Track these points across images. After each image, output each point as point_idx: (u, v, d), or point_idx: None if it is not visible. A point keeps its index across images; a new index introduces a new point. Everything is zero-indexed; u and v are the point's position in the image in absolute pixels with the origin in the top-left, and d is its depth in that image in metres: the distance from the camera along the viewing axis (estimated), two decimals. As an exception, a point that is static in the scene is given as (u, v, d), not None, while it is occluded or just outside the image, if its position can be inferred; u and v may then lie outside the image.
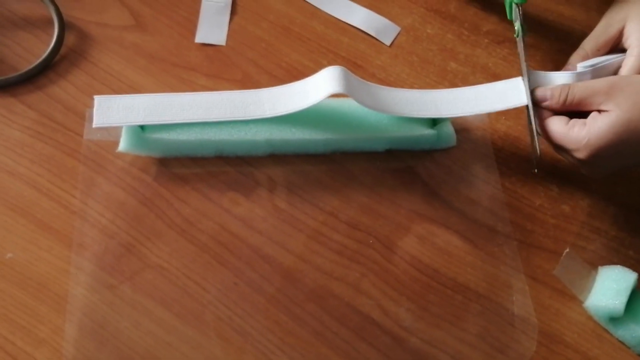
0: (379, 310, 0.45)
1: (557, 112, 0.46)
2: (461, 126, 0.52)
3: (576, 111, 0.45)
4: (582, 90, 0.44)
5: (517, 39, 0.48)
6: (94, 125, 0.45)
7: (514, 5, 0.49)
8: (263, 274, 0.45)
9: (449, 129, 0.50)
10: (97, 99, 0.46)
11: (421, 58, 0.56)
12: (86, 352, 0.42)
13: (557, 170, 0.51)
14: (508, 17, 0.51)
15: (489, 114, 0.53)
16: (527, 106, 0.47)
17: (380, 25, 0.57)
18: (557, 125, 0.45)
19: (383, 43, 0.56)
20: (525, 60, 0.47)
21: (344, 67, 0.46)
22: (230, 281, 0.45)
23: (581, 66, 0.47)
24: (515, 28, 0.49)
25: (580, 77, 0.46)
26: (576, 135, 0.43)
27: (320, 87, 0.46)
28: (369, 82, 0.48)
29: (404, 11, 0.58)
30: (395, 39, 0.57)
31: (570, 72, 0.47)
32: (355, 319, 0.44)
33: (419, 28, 0.57)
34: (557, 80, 0.47)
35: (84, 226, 0.45)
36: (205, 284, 0.44)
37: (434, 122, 0.50)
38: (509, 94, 0.48)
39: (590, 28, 0.49)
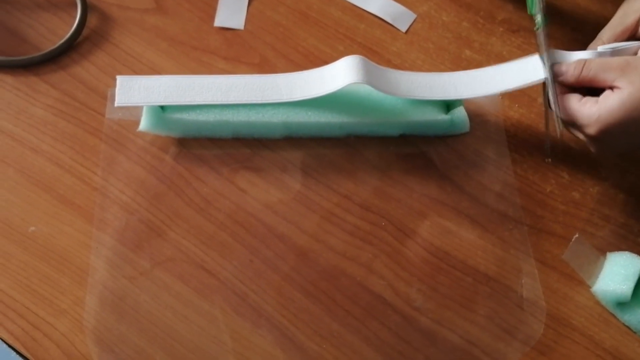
0: (390, 290, 0.46)
1: (572, 90, 0.46)
2: (474, 112, 0.52)
3: (590, 88, 0.45)
4: (597, 65, 0.44)
5: (538, 31, 0.49)
6: (115, 104, 0.46)
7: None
8: (278, 253, 0.46)
9: (462, 115, 0.51)
10: (120, 79, 0.47)
11: (436, 45, 0.56)
12: (106, 324, 0.43)
13: (568, 157, 0.51)
14: (529, 12, 0.51)
15: (503, 101, 0.53)
16: (544, 85, 0.47)
17: (396, 11, 0.58)
18: (571, 102, 0.45)
19: (399, 30, 0.57)
20: (547, 45, 0.47)
21: (361, 55, 0.47)
22: (246, 258, 0.46)
23: (602, 48, 0.47)
24: (537, 20, 0.49)
25: (600, 57, 0.46)
26: (588, 110, 0.43)
27: (338, 75, 0.47)
28: (386, 68, 0.49)
29: (420, -2, 0.59)
30: (411, 25, 0.57)
31: (590, 50, 0.47)
32: (367, 298, 0.45)
33: (434, 15, 0.58)
34: (577, 57, 0.47)
35: (105, 202, 0.47)
36: (221, 260, 0.46)
37: (447, 108, 0.51)
38: (526, 71, 0.48)
39: (605, 19, 0.50)
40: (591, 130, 0.44)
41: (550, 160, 0.49)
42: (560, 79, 0.46)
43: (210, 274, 0.45)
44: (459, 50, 0.56)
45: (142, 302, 0.44)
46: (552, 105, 0.46)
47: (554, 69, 0.47)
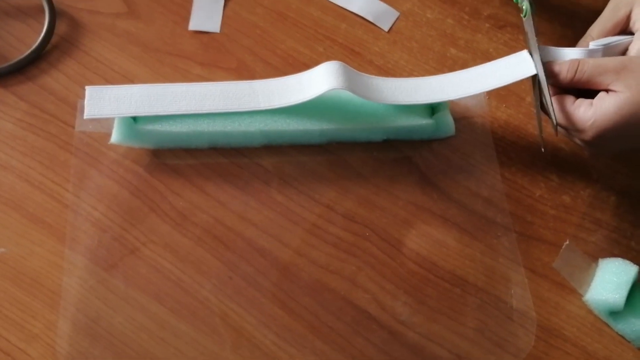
0: (376, 304, 0.44)
1: (562, 90, 0.44)
2: (460, 115, 0.50)
3: (583, 89, 0.43)
4: (592, 67, 0.42)
5: (525, 19, 0.47)
6: (85, 117, 0.44)
7: None
8: (258, 268, 0.45)
9: (447, 118, 0.49)
10: (89, 90, 0.45)
11: (420, 44, 0.54)
12: (80, 348, 0.41)
13: (558, 159, 0.50)
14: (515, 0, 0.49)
15: (489, 102, 0.51)
16: (534, 81, 0.45)
17: (378, 10, 0.55)
18: (564, 104, 0.43)
19: (381, 29, 0.55)
20: (536, 36, 0.45)
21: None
22: (225, 275, 0.44)
23: (593, 44, 0.45)
24: (523, 7, 0.47)
25: (591, 54, 0.45)
26: (582, 115, 0.42)
27: (317, 82, 0.45)
28: (369, 75, 0.47)
29: (403, -5, 0.56)
30: (393, 24, 0.55)
31: (581, 48, 0.45)
32: (352, 313, 0.44)
33: (418, 13, 0.56)
34: (568, 55, 0.45)
35: (77, 220, 0.45)
36: (199, 278, 0.44)
37: (432, 111, 0.49)
38: (515, 67, 0.46)
39: (595, 13, 0.48)
40: (586, 135, 0.42)
41: (543, 150, 0.47)
42: (553, 80, 0.44)
43: (188, 293, 0.43)
44: (443, 49, 0.54)
45: (117, 324, 0.42)
46: (547, 103, 0.44)
47: (545, 67, 0.45)
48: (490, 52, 0.54)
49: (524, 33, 0.46)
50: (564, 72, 0.43)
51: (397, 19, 0.55)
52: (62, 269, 0.43)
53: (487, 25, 0.56)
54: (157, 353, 0.42)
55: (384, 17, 0.55)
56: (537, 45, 0.45)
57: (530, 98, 0.52)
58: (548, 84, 0.44)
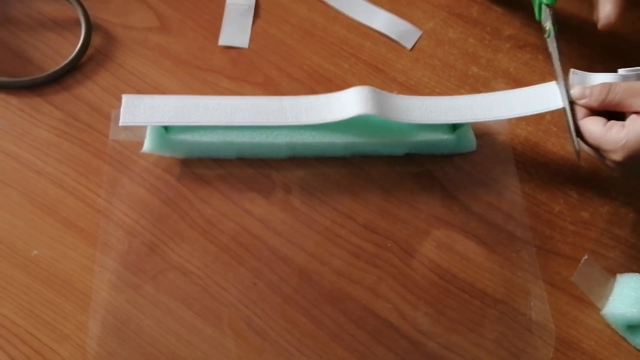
0: (397, 314, 0.45)
1: (595, 113, 0.45)
2: (481, 131, 0.52)
3: (613, 112, 0.44)
4: (624, 90, 0.43)
5: (548, 39, 0.48)
6: (120, 124, 0.46)
7: (543, 7, 0.49)
8: (281, 275, 0.46)
9: (469, 134, 0.50)
10: (125, 98, 0.47)
11: (442, 62, 0.56)
12: (109, 349, 0.43)
13: (577, 176, 0.51)
14: (537, 18, 0.50)
15: (510, 119, 0.53)
16: (564, 108, 0.46)
17: (401, 29, 0.57)
18: (595, 126, 0.44)
19: (404, 47, 0.56)
20: (560, 60, 0.47)
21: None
22: (250, 281, 0.45)
23: (624, 70, 0.46)
24: (546, 28, 0.48)
25: (622, 79, 0.46)
26: (614, 136, 0.42)
27: (347, 105, 0.46)
28: (398, 95, 0.48)
29: (426, 15, 0.58)
30: (416, 42, 0.57)
31: (613, 74, 0.46)
32: (373, 322, 0.45)
33: (440, 32, 0.57)
34: (599, 80, 0.46)
35: (108, 225, 0.46)
36: (225, 283, 0.45)
37: (454, 127, 0.51)
38: (543, 97, 0.47)
39: (613, 34, 0.49)
40: (617, 156, 0.43)
41: (578, 159, 0.48)
42: (583, 102, 0.45)
43: (214, 298, 0.45)
44: (465, 67, 0.56)
45: (145, 327, 0.43)
46: (570, 129, 0.45)
47: (575, 90, 0.45)
48: (511, 71, 0.55)
49: (549, 53, 0.48)
50: (596, 94, 0.44)
51: (420, 37, 0.57)
52: (93, 272, 0.45)
53: (508, 45, 0.57)
54: (184, 356, 0.43)
55: (407, 35, 0.57)
56: (560, 66, 0.46)
57: (549, 116, 0.53)
58: (575, 109, 0.45)
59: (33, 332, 0.43)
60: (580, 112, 0.45)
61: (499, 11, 0.59)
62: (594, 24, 0.51)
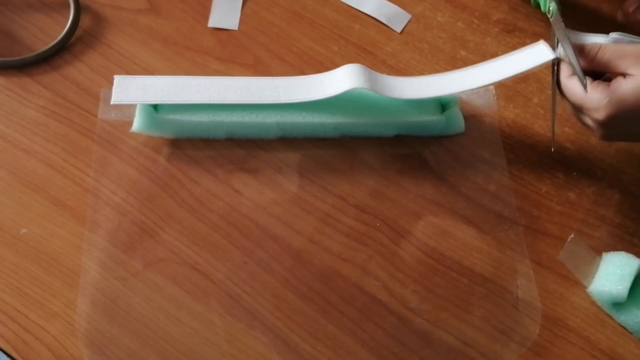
0: (386, 292, 0.45)
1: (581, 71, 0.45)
2: (469, 113, 0.52)
3: (601, 74, 0.44)
4: (613, 50, 0.43)
5: (552, 19, 0.48)
6: (112, 102, 0.46)
7: None
8: (272, 254, 0.46)
9: (457, 115, 0.51)
10: (117, 78, 0.47)
11: (431, 45, 0.56)
12: (98, 326, 0.43)
13: (564, 157, 0.51)
14: (543, 9, 0.50)
15: (498, 101, 0.53)
16: (553, 71, 0.46)
17: (391, 12, 0.57)
18: (579, 85, 0.44)
19: (394, 30, 0.57)
20: (564, 27, 0.46)
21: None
22: (240, 260, 0.46)
23: (616, 34, 0.46)
24: (550, 8, 0.48)
25: (615, 42, 0.45)
26: (598, 95, 0.42)
27: (339, 81, 0.47)
28: (389, 76, 0.48)
29: (415, -1, 0.59)
30: (405, 26, 0.57)
31: (606, 35, 0.46)
32: (362, 300, 0.45)
33: (429, 16, 0.58)
34: (591, 40, 0.46)
35: (97, 204, 0.46)
36: (215, 262, 0.45)
37: (442, 108, 0.51)
38: (534, 54, 0.47)
39: (602, 17, 0.49)
40: (599, 114, 0.43)
41: (553, 150, 0.49)
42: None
43: (204, 276, 0.45)
44: (454, 51, 0.56)
45: (134, 304, 0.43)
46: (578, 73, 0.44)
47: (569, 39, 0.45)
48: (499, 55, 0.56)
49: (539, 37, 0.47)
50: (585, 52, 0.44)
51: (409, 21, 0.57)
52: (81, 250, 0.45)
53: (496, 29, 0.57)
54: (173, 333, 0.43)
55: (396, 19, 0.57)
56: (565, 33, 0.45)
57: (537, 99, 0.54)
58: (562, 68, 0.45)
59: (22, 309, 0.43)
60: (566, 70, 0.45)
61: (487, -4, 0.59)
62: (597, 10, 0.52)
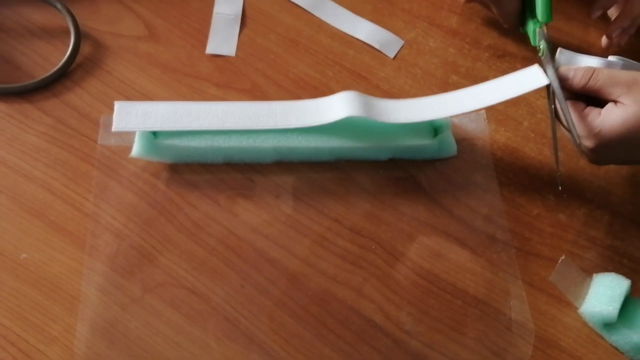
0: (381, 314, 0.46)
1: (574, 96, 0.46)
2: (461, 136, 0.53)
3: (593, 98, 0.45)
4: (606, 77, 0.44)
5: (542, 58, 0.49)
6: (113, 129, 0.47)
7: (537, 30, 0.51)
8: (269, 277, 0.47)
9: (449, 139, 0.52)
10: (118, 104, 0.48)
11: (424, 70, 0.57)
12: (97, 350, 0.43)
13: (554, 180, 0.52)
14: (532, 44, 0.52)
15: (489, 125, 0.54)
16: (549, 95, 0.47)
17: (384, 38, 0.59)
18: (572, 110, 0.45)
19: (387, 56, 0.58)
20: (554, 60, 0.47)
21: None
22: (237, 283, 0.46)
23: (613, 57, 0.47)
24: (541, 47, 0.50)
25: (609, 65, 0.47)
26: (590, 123, 0.43)
27: (335, 108, 0.48)
28: (383, 99, 0.50)
29: (407, 25, 0.60)
30: (398, 52, 0.58)
31: (600, 58, 0.47)
32: (358, 322, 0.46)
33: (421, 42, 0.59)
34: (586, 62, 0.47)
35: (96, 229, 0.47)
36: (212, 286, 0.46)
37: (435, 132, 0.52)
38: (527, 79, 0.48)
39: (589, 43, 0.51)
40: (590, 142, 0.44)
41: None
42: (566, 83, 0.46)
43: (202, 300, 0.45)
44: (445, 75, 0.57)
45: (133, 329, 0.44)
46: (563, 115, 0.45)
47: (560, 70, 0.46)
48: (490, 79, 0.57)
49: (528, 63, 0.49)
50: (579, 77, 0.45)
51: (402, 46, 0.59)
52: (81, 274, 0.45)
53: (487, 54, 0.59)
54: (172, 357, 0.43)
55: (390, 45, 0.59)
56: (555, 74, 0.46)
57: (527, 123, 0.55)
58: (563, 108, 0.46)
59: (21, 334, 0.43)
60: (561, 94, 0.45)
61: (478, 22, 0.61)
62: (569, 35, 0.53)
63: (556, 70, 0.47)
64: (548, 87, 0.47)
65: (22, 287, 0.45)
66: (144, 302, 0.45)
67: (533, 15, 0.53)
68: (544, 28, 0.51)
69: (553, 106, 0.46)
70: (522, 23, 0.55)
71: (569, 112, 0.45)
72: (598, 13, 0.55)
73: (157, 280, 0.46)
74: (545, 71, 0.47)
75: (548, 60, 0.48)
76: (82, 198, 0.48)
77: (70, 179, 0.49)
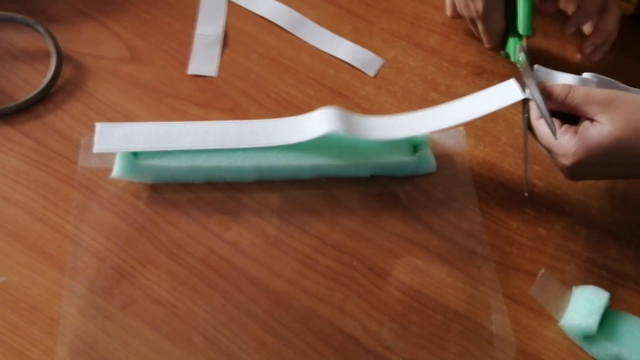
0: (362, 331, 0.46)
1: (550, 114, 0.46)
2: (440, 152, 0.54)
3: (568, 114, 0.46)
4: (583, 95, 0.44)
5: (521, 69, 0.50)
6: (94, 151, 0.47)
7: (517, 47, 0.52)
8: (250, 296, 0.47)
9: (429, 155, 0.52)
10: (99, 126, 0.48)
11: (403, 89, 0.58)
12: (77, 373, 0.43)
13: (533, 194, 0.53)
14: (513, 60, 0.53)
15: (468, 140, 0.55)
16: (524, 110, 0.48)
17: (364, 57, 0.60)
18: (549, 129, 0.45)
19: (367, 74, 0.59)
20: (532, 70, 0.48)
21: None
22: (219, 303, 0.46)
23: (588, 74, 0.48)
24: (520, 59, 0.51)
25: (585, 83, 0.47)
26: (566, 142, 0.44)
27: (316, 124, 0.49)
28: (363, 115, 0.51)
29: (387, 44, 0.61)
30: (378, 70, 0.59)
31: (576, 76, 0.48)
32: (340, 339, 0.46)
33: (401, 60, 0.60)
34: (562, 80, 0.48)
35: (77, 250, 0.47)
36: (193, 306, 0.46)
37: (415, 149, 0.53)
38: (504, 93, 0.49)
39: (566, 59, 0.52)
40: (566, 161, 0.45)
41: (527, 194, 0.51)
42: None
43: (182, 320, 0.45)
44: (425, 93, 0.58)
45: (113, 350, 0.44)
46: (547, 120, 0.45)
47: (538, 87, 0.46)
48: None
49: (506, 79, 0.50)
50: (555, 94, 0.46)
51: (382, 65, 0.60)
52: (61, 297, 0.45)
53: (465, 72, 0.60)
54: (152, 378, 0.43)
55: (370, 63, 0.59)
56: (535, 83, 0.47)
57: (506, 138, 0.56)
58: (533, 107, 0.47)
59: (0, 358, 0.43)
60: (536, 111, 0.46)
61: (456, 40, 0.62)
62: (546, 53, 0.55)
63: (537, 82, 0.47)
64: (524, 100, 0.48)
65: (0, 310, 0.44)
66: (124, 324, 0.45)
67: (514, 31, 0.54)
68: (524, 41, 0.52)
69: (526, 115, 0.47)
70: (504, 45, 0.56)
71: (550, 118, 0.45)
72: (571, 30, 0.56)
73: (137, 301, 0.45)
74: (524, 82, 0.48)
75: (528, 72, 0.49)
76: (63, 220, 0.48)
77: (51, 201, 0.49)
